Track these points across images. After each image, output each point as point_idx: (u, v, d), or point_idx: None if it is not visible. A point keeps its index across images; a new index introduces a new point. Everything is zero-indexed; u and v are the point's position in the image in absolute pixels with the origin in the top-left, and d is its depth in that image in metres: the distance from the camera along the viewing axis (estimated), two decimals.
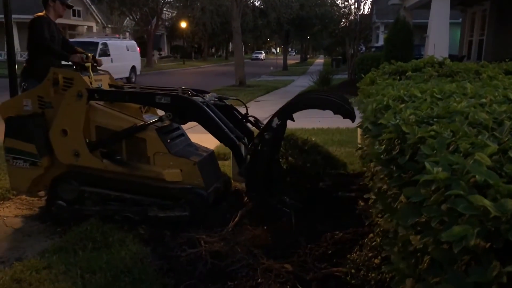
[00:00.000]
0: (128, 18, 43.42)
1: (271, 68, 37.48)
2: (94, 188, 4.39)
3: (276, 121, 4.06)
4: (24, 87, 5.00)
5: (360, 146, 3.94)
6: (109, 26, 46.05)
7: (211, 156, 4.80)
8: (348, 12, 26.69)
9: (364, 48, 30.33)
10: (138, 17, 40.64)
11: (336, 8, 32.55)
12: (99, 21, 43.59)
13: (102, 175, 4.37)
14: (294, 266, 3.31)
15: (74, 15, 39.65)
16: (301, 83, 23.97)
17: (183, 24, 44.72)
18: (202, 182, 4.28)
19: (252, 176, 4.16)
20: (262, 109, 13.70)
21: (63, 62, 5.14)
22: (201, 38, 53.89)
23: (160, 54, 52.04)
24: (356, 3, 25.33)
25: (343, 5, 28.76)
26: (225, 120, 4.33)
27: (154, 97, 4.29)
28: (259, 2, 40.72)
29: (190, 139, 4.97)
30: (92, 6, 41.47)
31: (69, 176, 4.45)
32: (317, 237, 3.74)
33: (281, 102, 15.79)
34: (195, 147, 4.86)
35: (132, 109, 4.54)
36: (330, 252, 3.50)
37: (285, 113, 4.14)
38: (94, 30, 43.09)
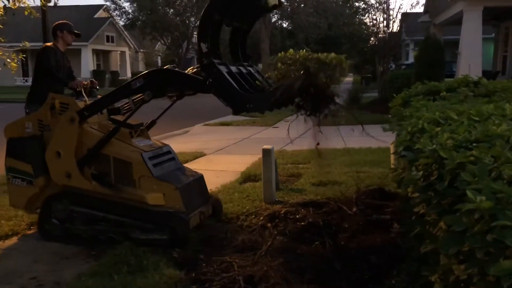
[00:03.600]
0: (159, 42, 44.52)
1: None
2: (82, 208, 4.56)
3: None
4: (27, 110, 5.27)
5: (393, 167, 3.88)
6: (141, 50, 47.33)
7: (198, 181, 4.93)
8: (377, 30, 26.59)
9: (394, 66, 30.09)
10: (169, 41, 41.63)
11: (364, 27, 32.51)
12: (132, 46, 44.86)
13: (91, 196, 4.54)
14: None
15: (108, 41, 40.98)
16: None
17: None
18: (183, 207, 4.37)
19: (229, 95, 4.13)
20: (292, 129, 13.71)
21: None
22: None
23: None
24: (385, 21, 25.24)
25: (371, 23, 28.68)
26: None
27: (130, 85, 4.44)
28: (287, 24, 41.11)
29: (180, 164, 5.10)
30: (125, 32, 42.77)
31: (61, 195, 4.65)
32: (352, 261, 3.67)
33: (310, 122, 15.47)
34: (183, 172, 4.94)
35: (122, 133, 4.65)
36: (366, 277, 3.42)
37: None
38: (127, 55, 44.38)
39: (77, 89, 5.08)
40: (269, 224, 4.74)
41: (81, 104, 4.65)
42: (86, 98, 4.90)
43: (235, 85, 4.08)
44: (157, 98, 4.47)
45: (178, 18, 39.37)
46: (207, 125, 15.13)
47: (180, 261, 3.98)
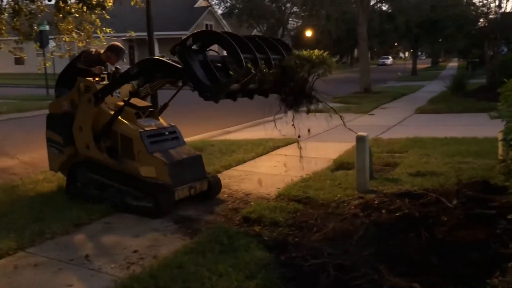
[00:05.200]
0: (255, 29, 45.11)
1: (399, 73, 35.96)
2: (96, 175, 5.37)
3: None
4: (56, 94, 6.16)
5: (502, 159, 3.56)
6: None
7: (193, 159, 5.45)
8: (487, 11, 24.44)
9: (505, 50, 27.52)
10: (265, 28, 42.01)
11: (472, 8, 30.06)
12: None
13: (102, 165, 5.32)
14: (423, 286, 3.09)
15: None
16: (432, 89, 22.57)
17: (308, 33, 45.07)
18: (170, 180, 5.00)
19: (194, 83, 4.45)
20: (388, 116, 13.19)
21: None
22: (325, 46, 53.69)
23: None
24: (497, 1, 23.11)
25: (481, 3, 26.41)
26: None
27: (128, 71, 5.07)
28: (386, 6, 39.38)
29: (183, 143, 5.64)
30: (223, 20, 43.92)
31: (83, 164, 5.51)
32: (450, 256, 3.45)
33: (409, 109, 15.00)
34: (180, 150, 5.46)
35: (129, 114, 5.38)
36: (465, 274, 3.20)
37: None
38: None
39: (101, 76, 5.66)
40: (361, 213, 4.62)
41: (124, 87, 5.44)
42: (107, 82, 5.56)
43: (197, 75, 4.43)
44: (147, 83, 5.09)
45: (274, 5, 39.51)
46: (300, 112, 15.08)
47: (270, 244, 4.04)
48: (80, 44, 7.57)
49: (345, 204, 5.07)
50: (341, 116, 5.15)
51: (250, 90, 4.89)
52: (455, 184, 4.92)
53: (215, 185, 5.61)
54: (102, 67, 5.78)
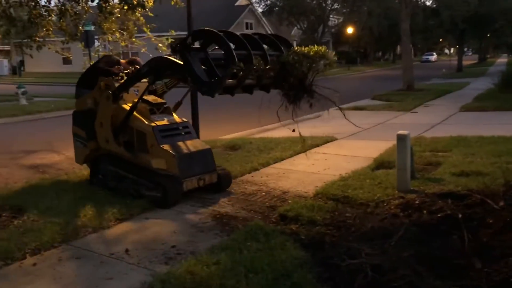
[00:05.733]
0: (295, 27, 44.89)
1: (443, 70, 34.85)
2: (114, 167, 5.78)
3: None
4: (77, 93, 6.45)
5: None
6: None
7: (203, 153, 5.68)
8: None
9: None
10: (305, 25, 41.74)
11: None
12: (269, 32, 45.96)
13: (120, 158, 5.71)
14: None
15: (246, 28, 42.52)
16: (479, 86, 21.76)
17: (349, 30, 44.43)
18: (179, 172, 5.28)
19: (193, 79, 4.74)
20: (431, 115, 12.80)
21: None
22: (367, 43, 52.89)
23: None
24: None
25: None
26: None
27: (140, 70, 5.53)
28: (430, 1, 38.25)
29: (195, 137, 5.93)
30: (263, 18, 43.93)
31: (103, 156, 5.93)
32: (495, 261, 3.30)
33: (454, 107, 14.50)
34: (191, 144, 5.70)
35: (144, 110, 5.71)
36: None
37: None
38: None
39: (120, 75, 5.97)
40: (401, 214, 4.51)
41: (142, 85, 5.73)
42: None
43: (195, 71, 4.67)
44: (157, 80, 5.52)
45: (314, 2, 39.17)
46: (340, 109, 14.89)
47: (307, 243, 4.01)
48: (123, 44, 7.76)
49: (385, 204, 4.96)
50: (341, 109, 5.28)
51: (249, 85, 5.05)
52: (502, 185, 4.71)
53: (225, 178, 5.82)
54: (121, 67, 6.14)
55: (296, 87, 5.05)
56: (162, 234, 4.48)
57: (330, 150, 8.25)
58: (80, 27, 7.01)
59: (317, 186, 5.86)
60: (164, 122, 5.71)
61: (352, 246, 3.75)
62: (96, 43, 13.66)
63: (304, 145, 5.66)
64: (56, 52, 7.95)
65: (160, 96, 6.06)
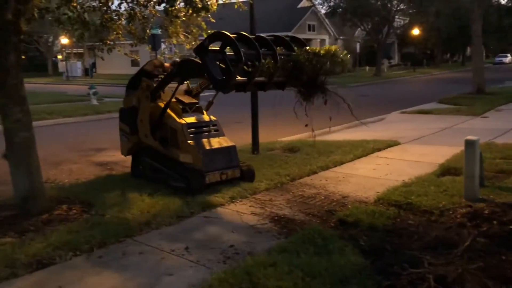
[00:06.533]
0: (359, 28, 44.06)
1: None
2: (150, 160, 6.37)
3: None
4: (126, 94, 7.04)
5: None
6: (341, 37, 47.56)
7: (228, 149, 6.08)
8: None
9: None
10: (369, 27, 40.83)
11: None
12: (332, 33, 45.47)
13: (155, 152, 6.26)
14: None
15: (309, 30, 42.34)
16: None
17: (415, 31, 42.94)
18: (202, 166, 5.75)
19: (209, 77, 5.37)
20: (504, 120, 12.07)
21: None
22: (434, 44, 50.90)
23: (390, 63, 51.17)
24: None
25: None
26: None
27: (171, 72, 6.12)
28: (505, 0, 36.08)
29: (222, 135, 6.27)
30: (326, 20, 43.50)
31: (143, 150, 6.50)
32: None
33: None
34: (217, 141, 6.10)
35: (177, 109, 6.25)
36: None
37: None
38: (327, 42, 45.16)
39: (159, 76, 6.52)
40: (468, 223, 4.29)
41: (182, 87, 6.41)
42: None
43: (211, 70, 5.23)
44: (185, 80, 6.21)
45: (379, 3, 38.21)
46: (404, 113, 14.43)
47: (366, 249, 3.91)
48: (188, 46, 7.96)
49: (451, 212, 4.74)
50: (349, 105, 5.52)
51: (261, 83, 5.52)
52: None
53: (247, 173, 6.19)
54: (160, 69, 6.61)
55: (308, 85, 5.45)
56: (221, 233, 4.55)
57: (393, 155, 8.01)
58: (147, 31, 7.28)
59: (378, 192, 5.71)
60: (194, 120, 6.18)
61: (414, 255, 3.61)
62: (162, 46, 14.13)
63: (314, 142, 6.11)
64: (125, 55, 8.31)
65: (195, 96, 6.61)
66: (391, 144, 8.84)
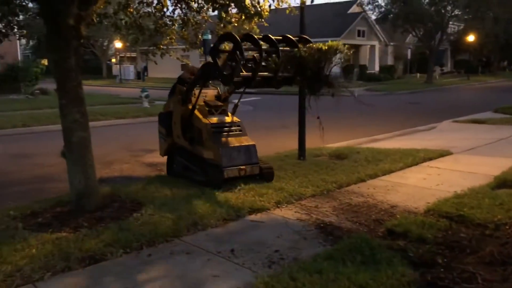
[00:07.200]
0: (410, 34, 43.01)
1: None
2: (181, 158, 6.93)
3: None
4: (168, 97, 7.54)
5: None
6: (391, 43, 46.59)
7: (247, 148, 6.51)
8: None
9: None
10: (421, 33, 39.77)
11: None
12: (382, 39, 44.62)
13: (185, 150, 6.79)
14: None
15: (359, 35, 41.74)
16: None
17: (471, 37, 41.42)
18: (221, 162, 6.22)
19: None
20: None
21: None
22: (490, 51, 48.82)
23: (442, 70, 49.58)
24: None
25: None
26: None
27: (196, 76, 6.63)
28: None
29: (244, 134, 6.74)
30: (376, 26, 42.75)
31: (176, 149, 7.04)
32: None
33: None
34: (238, 140, 6.57)
35: (204, 111, 6.78)
36: None
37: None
38: (376, 48, 44.36)
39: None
40: None
41: (210, 92, 7.13)
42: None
43: (218, 67, 5.95)
44: (207, 82, 6.81)
45: (433, 8, 37.15)
46: (456, 121, 13.94)
47: (416, 261, 3.80)
48: None
49: (507, 227, 4.52)
50: (355, 96, 6.13)
51: (267, 78, 6.04)
52: None
53: (266, 171, 6.58)
54: (189, 75, 7.08)
55: (313, 79, 5.89)
56: (266, 238, 4.56)
57: (444, 165, 7.75)
58: (199, 36, 7.45)
59: (428, 202, 5.54)
60: (217, 120, 6.70)
61: (467, 269, 3.48)
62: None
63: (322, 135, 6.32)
64: (177, 59, 8.53)
65: (224, 100, 7.14)
66: (442, 153, 8.56)
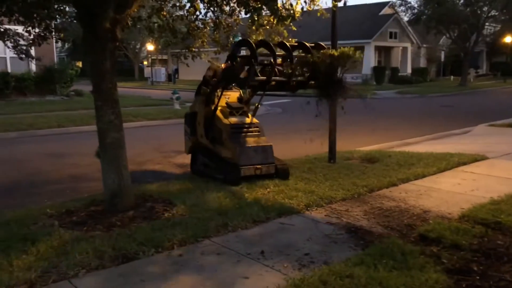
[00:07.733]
0: (444, 36, 42.10)
1: None
2: (202, 156, 7.24)
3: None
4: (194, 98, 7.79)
5: None
6: (424, 45, 45.70)
7: (264, 148, 6.76)
8: None
9: None
10: (455, 34, 38.86)
11: None
12: (414, 41, 43.82)
13: (207, 149, 7.12)
14: None
15: (391, 37, 41.11)
16: None
17: (508, 39, 40.20)
18: (238, 161, 6.52)
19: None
20: None
21: None
22: None
23: (477, 72, 48.28)
24: None
25: None
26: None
27: (218, 79, 6.94)
28: None
29: (262, 135, 6.97)
30: (408, 27, 42.02)
31: (199, 148, 7.36)
32: None
33: None
34: (256, 140, 6.82)
35: (225, 112, 7.04)
36: None
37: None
38: (409, 51, 43.58)
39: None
40: None
41: (233, 94, 7.42)
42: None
43: (235, 72, 6.33)
44: (228, 85, 6.99)
45: (468, 9, 36.24)
46: (492, 125, 13.55)
47: (450, 268, 3.72)
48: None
49: None
50: (362, 96, 6.47)
51: (282, 82, 6.49)
52: None
53: (282, 171, 6.80)
54: (214, 76, 7.29)
55: (326, 83, 6.16)
56: (296, 240, 4.54)
57: (480, 170, 7.55)
58: (231, 39, 7.50)
59: (463, 208, 5.41)
60: (238, 121, 6.94)
61: (504, 278, 3.38)
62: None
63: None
64: (208, 62, 8.62)
65: (246, 102, 7.44)
66: (478, 158, 8.34)
